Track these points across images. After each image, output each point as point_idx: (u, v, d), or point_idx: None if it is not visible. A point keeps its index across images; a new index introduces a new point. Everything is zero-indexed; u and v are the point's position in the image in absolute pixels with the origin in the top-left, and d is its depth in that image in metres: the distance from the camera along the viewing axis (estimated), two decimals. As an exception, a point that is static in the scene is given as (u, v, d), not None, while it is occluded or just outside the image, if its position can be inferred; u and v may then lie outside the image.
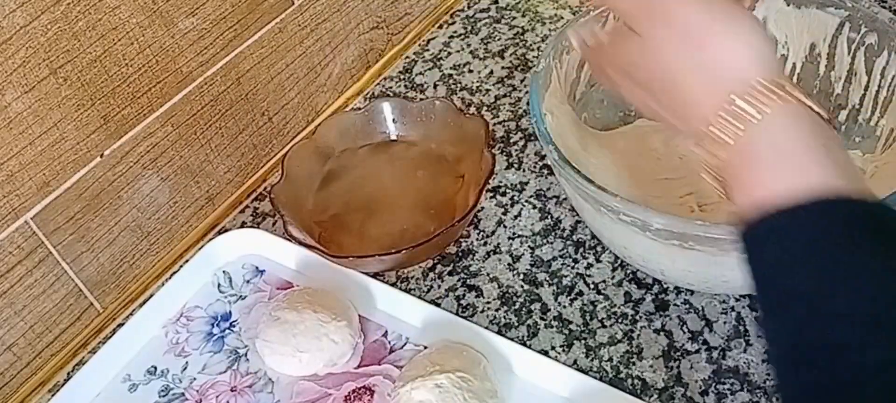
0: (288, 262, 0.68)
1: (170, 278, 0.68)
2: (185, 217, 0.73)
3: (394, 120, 0.76)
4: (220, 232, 0.74)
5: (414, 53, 0.90)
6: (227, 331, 0.64)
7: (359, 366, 0.61)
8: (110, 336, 0.63)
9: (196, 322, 0.65)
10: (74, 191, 0.63)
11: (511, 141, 0.78)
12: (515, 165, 0.75)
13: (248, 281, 0.68)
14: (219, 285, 0.68)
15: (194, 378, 0.62)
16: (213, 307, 0.66)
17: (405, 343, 0.62)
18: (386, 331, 0.63)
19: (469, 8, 0.95)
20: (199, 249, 0.68)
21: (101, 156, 0.64)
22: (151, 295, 0.67)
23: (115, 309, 0.69)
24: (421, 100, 0.78)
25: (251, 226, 0.72)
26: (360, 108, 0.76)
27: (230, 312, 0.66)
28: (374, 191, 0.73)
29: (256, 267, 0.68)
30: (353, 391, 0.59)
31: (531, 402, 0.57)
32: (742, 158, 0.36)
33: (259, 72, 0.75)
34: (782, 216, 0.33)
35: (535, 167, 0.75)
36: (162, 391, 0.61)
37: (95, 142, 0.63)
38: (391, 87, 0.86)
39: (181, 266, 0.69)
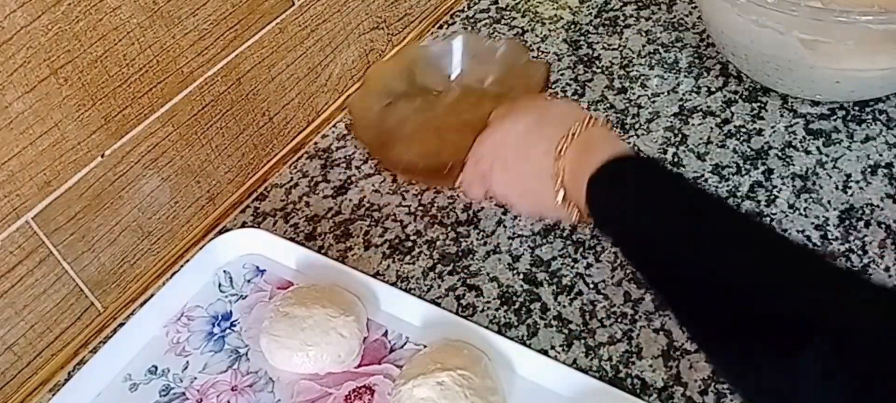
0: (288, 262, 0.68)
1: (170, 278, 0.68)
2: (186, 217, 0.73)
3: (462, 56, 0.78)
4: (220, 232, 0.74)
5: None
6: (228, 331, 0.65)
7: (359, 366, 0.61)
8: (111, 336, 0.64)
9: (197, 321, 0.65)
10: (75, 191, 0.63)
11: (511, 141, 0.78)
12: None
13: (248, 281, 0.68)
14: (219, 285, 0.68)
15: (195, 378, 0.62)
16: (213, 306, 0.66)
17: (405, 343, 0.62)
18: (386, 331, 0.63)
19: (469, 8, 0.95)
20: (200, 249, 0.68)
21: (102, 156, 0.64)
22: (152, 295, 0.67)
23: (115, 309, 0.69)
24: (490, 39, 0.82)
25: (252, 226, 0.72)
26: (440, 39, 0.80)
27: (231, 312, 0.66)
28: (436, 120, 0.75)
29: (257, 267, 0.69)
30: (354, 390, 0.59)
31: (531, 401, 0.57)
32: (578, 159, 0.53)
33: (260, 72, 0.75)
34: (599, 172, 0.51)
35: (535, 167, 0.75)
36: (162, 390, 0.61)
37: (96, 142, 0.63)
38: (391, 87, 0.87)
39: (182, 265, 0.69)
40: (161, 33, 0.65)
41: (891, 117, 0.73)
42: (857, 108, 0.74)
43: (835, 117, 0.74)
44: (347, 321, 0.60)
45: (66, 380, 0.63)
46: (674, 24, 0.87)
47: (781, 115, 0.75)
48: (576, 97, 0.81)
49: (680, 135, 0.74)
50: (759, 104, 0.76)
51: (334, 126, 0.84)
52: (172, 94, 0.68)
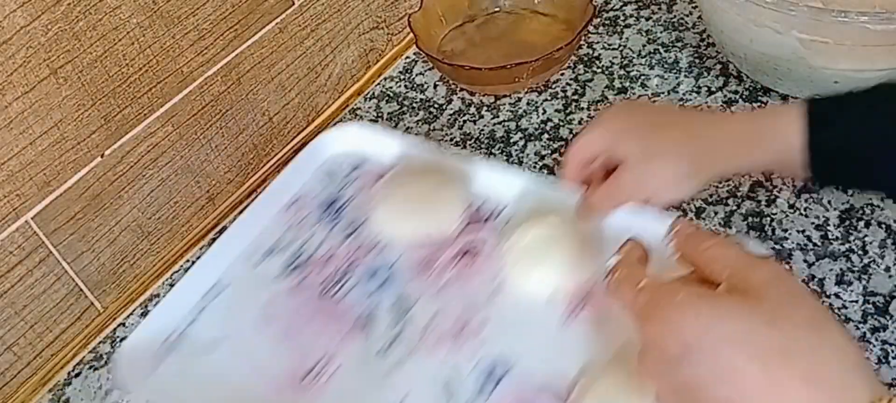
0: (388, 152, 0.73)
1: (283, 169, 0.72)
2: (186, 217, 0.73)
3: None
4: (220, 233, 0.74)
5: (414, 53, 0.91)
6: (340, 211, 0.70)
7: (463, 229, 0.66)
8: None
9: (310, 205, 0.71)
10: (75, 191, 0.63)
11: (511, 141, 0.78)
12: (515, 165, 0.76)
13: (352, 171, 0.74)
14: (326, 175, 0.74)
15: (315, 249, 0.67)
16: (322, 194, 0.72)
17: (502, 211, 0.67)
18: (484, 201, 0.68)
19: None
20: (300, 153, 0.70)
21: (102, 155, 0.64)
22: (151, 296, 0.67)
23: (115, 309, 0.69)
24: None
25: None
26: None
27: (340, 197, 0.72)
28: (496, 38, 0.88)
29: (358, 161, 0.74)
30: (461, 249, 0.64)
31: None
32: None
33: (259, 72, 0.75)
34: None
35: (535, 167, 0.75)
36: (287, 261, 0.66)
37: (96, 142, 0.63)
38: (391, 87, 0.87)
39: (288, 160, 0.74)
40: (161, 33, 0.65)
41: (891, 117, 0.73)
42: (857, 108, 0.74)
43: (835, 117, 0.74)
44: (454, 189, 0.67)
45: (66, 381, 0.63)
46: (674, 24, 0.87)
47: (781, 115, 0.75)
48: (576, 97, 0.81)
49: (680, 135, 0.74)
50: (759, 104, 0.76)
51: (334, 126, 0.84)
52: (172, 94, 0.68)
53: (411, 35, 0.92)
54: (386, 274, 0.64)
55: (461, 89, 0.85)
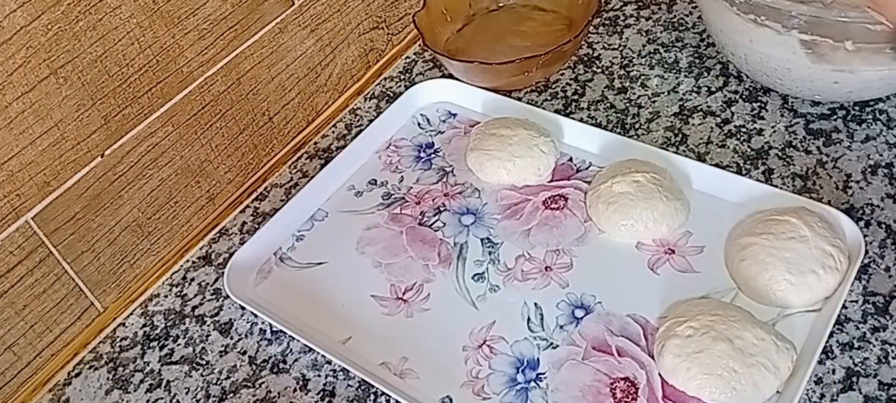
0: (476, 106, 0.79)
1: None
2: (186, 217, 0.73)
3: None
4: (220, 234, 0.74)
5: (414, 53, 0.91)
6: (433, 155, 0.76)
7: (551, 181, 0.71)
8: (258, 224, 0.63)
9: (404, 148, 0.77)
10: (75, 191, 0.63)
11: (511, 141, 0.78)
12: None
13: (443, 121, 0.80)
14: (418, 123, 0.79)
15: (411, 187, 0.73)
16: (416, 139, 0.78)
17: (589, 166, 0.72)
18: (571, 156, 0.73)
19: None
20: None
21: (102, 155, 0.64)
22: (152, 295, 0.67)
23: (115, 309, 0.69)
24: None
25: (251, 228, 0.72)
26: None
27: (433, 143, 0.77)
28: (498, 34, 0.88)
29: (449, 112, 0.81)
30: (549, 197, 0.70)
31: (709, 207, 0.66)
32: None
33: (259, 72, 0.75)
34: None
35: (535, 167, 0.75)
36: (384, 195, 0.73)
37: (96, 141, 0.63)
38: (391, 87, 0.87)
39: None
40: (161, 33, 0.65)
41: (891, 117, 0.73)
42: (857, 108, 0.74)
43: (835, 117, 0.74)
44: (546, 140, 0.71)
45: (66, 381, 0.63)
46: (674, 24, 0.87)
47: (781, 115, 0.75)
48: (576, 97, 0.81)
49: (680, 135, 0.74)
50: (759, 104, 0.76)
51: (334, 126, 0.84)
52: (172, 94, 0.68)
53: (412, 35, 0.92)
54: (477, 214, 0.69)
55: (461, 89, 0.85)
